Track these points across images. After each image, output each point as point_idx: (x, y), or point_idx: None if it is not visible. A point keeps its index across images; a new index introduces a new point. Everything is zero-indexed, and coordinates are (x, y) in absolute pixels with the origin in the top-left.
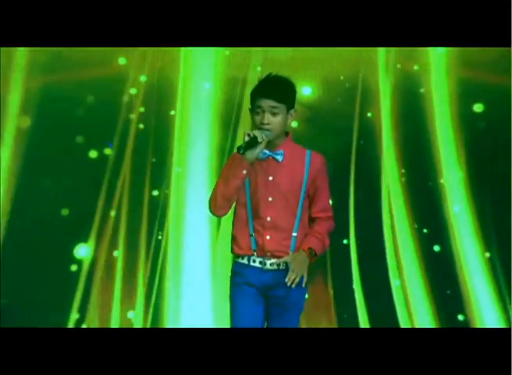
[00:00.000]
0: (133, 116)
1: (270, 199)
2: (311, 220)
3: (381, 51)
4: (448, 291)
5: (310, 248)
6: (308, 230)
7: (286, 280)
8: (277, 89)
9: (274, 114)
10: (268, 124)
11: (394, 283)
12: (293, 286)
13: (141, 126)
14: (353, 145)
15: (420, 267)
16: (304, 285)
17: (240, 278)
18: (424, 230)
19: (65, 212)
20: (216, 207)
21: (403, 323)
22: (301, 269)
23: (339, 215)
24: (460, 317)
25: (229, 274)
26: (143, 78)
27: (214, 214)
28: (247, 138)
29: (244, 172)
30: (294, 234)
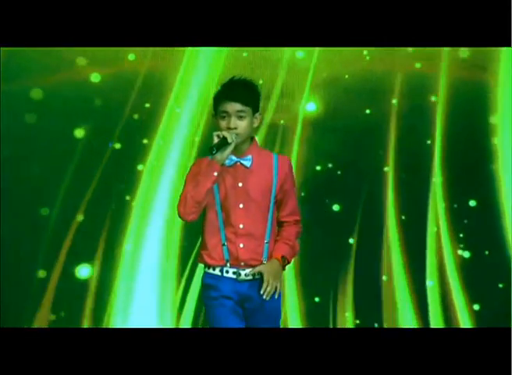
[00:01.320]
0: (136, 116)
1: (241, 206)
2: (279, 224)
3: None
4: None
5: (283, 257)
6: (277, 235)
7: (262, 292)
8: (242, 92)
9: (240, 117)
10: (235, 128)
11: (429, 283)
12: (268, 298)
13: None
14: (388, 145)
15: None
16: (276, 297)
17: (214, 292)
18: (461, 235)
19: (45, 211)
20: (186, 212)
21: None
22: (276, 279)
23: (376, 215)
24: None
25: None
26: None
27: (183, 219)
28: (216, 139)
29: (215, 174)
30: (266, 241)
